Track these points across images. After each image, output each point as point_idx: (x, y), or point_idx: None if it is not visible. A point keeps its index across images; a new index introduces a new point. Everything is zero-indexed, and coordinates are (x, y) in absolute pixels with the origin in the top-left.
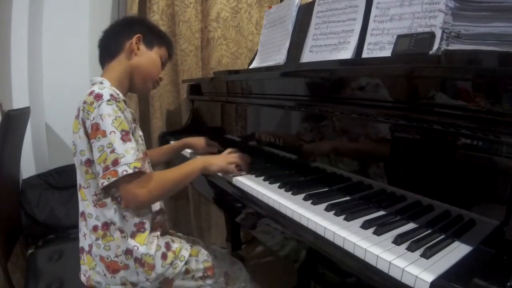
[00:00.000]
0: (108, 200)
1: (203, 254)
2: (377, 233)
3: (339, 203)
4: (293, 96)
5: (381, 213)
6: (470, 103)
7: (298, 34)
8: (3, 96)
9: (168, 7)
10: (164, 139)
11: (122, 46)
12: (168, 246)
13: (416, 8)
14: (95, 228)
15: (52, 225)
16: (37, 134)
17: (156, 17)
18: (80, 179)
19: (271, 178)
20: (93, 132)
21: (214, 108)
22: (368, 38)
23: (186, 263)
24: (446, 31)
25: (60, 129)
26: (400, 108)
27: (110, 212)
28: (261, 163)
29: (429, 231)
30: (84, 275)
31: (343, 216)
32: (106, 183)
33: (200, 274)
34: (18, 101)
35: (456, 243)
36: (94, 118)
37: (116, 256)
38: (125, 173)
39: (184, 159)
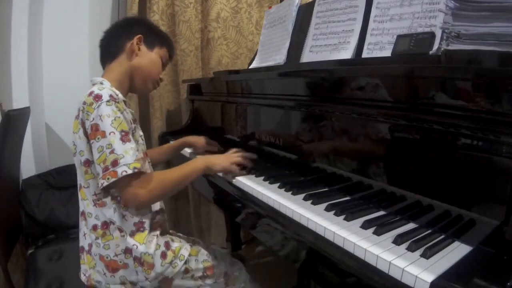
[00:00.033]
0: (108, 200)
1: (203, 254)
2: (377, 233)
3: (339, 203)
4: (293, 96)
5: (381, 213)
6: (470, 103)
7: (298, 34)
8: (3, 96)
9: (168, 7)
10: (164, 139)
11: (122, 47)
12: (167, 245)
13: (416, 8)
14: (94, 227)
15: (52, 225)
16: (37, 134)
17: (156, 17)
18: (80, 179)
19: (271, 178)
20: (92, 132)
21: (214, 108)
22: (368, 38)
23: (185, 263)
24: (446, 31)
25: (60, 129)
26: (400, 108)
27: (110, 212)
28: (261, 163)
29: (429, 231)
30: (84, 275)
31: (343, 216)
32: (105, 183)
33: (200, 273)
34: (18, 101)
35: (456, 243)
36: (93, 118)
37: (116, 255)
38: (124, 173)
39: (184, 158)
